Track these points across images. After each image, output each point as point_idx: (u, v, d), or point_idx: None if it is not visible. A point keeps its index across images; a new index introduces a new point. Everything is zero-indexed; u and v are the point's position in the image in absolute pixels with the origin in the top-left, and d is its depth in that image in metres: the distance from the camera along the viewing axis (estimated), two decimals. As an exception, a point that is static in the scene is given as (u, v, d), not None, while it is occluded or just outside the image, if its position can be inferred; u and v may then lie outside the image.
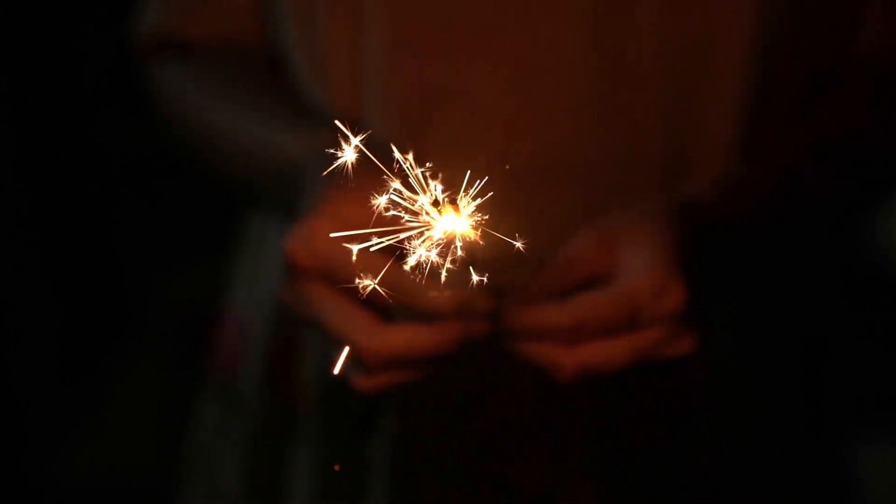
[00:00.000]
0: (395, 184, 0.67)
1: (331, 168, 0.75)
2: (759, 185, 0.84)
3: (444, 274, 0.66)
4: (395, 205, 0.67)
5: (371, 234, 0.68)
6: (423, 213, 0.66)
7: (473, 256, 0.67)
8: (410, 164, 0.67)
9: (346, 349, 0.70)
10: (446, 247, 0.66)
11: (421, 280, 0.67)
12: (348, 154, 0.68)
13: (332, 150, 0.77)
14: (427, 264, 0.67)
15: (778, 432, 0.98)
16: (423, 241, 0.67)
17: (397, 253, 0.68)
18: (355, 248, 0.67)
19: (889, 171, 0.94)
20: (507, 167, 0.82)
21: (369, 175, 0.68)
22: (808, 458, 1.00)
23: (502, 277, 0.69)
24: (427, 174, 0.66)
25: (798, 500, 0.99)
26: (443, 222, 0.64)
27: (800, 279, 1.01)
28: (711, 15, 0.85)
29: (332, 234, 0.69)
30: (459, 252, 0.65)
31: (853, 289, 1.39)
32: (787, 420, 0.98)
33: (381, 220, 0.67)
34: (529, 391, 0.88)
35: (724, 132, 0.87)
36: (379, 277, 0.68)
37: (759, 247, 0.87)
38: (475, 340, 0.70)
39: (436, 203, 0.62)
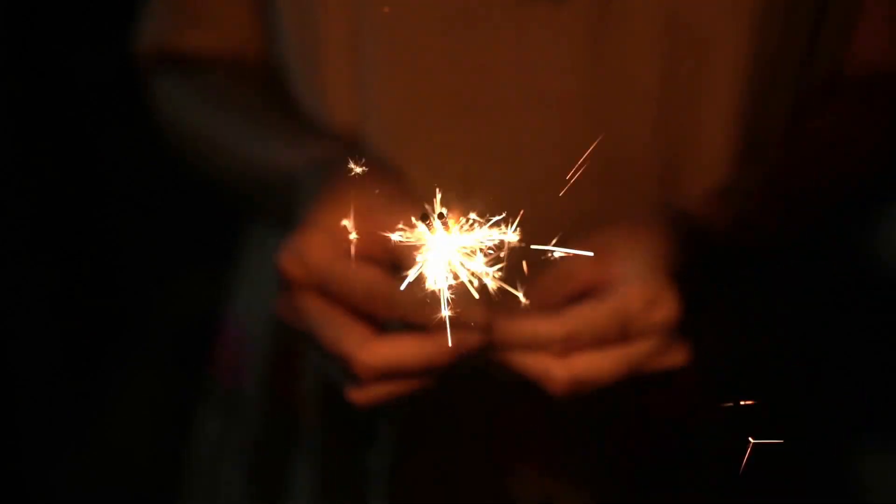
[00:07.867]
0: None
1: (327, 181, 0.75)
2: (754, 195, 0.84)
3: (435, 287, 0.66)
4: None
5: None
6: (416, 227, 0.66)
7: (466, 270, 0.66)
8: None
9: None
10: (438, 261, 0.66)
11: (414, 293, 0.68)
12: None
13: (329, 163, 0.78)
14: (419, 278, 0.67)
15: (776, 437, 0.97)
16: (416, 255, 0.66)
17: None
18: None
19: (884, 179, 0.94)
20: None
21: (365, 190, 0.69)
22: (809, 461, 1.00)
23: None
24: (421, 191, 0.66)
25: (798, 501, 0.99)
26: (434, 238, 0.64)
27: (798, 285, 1.01)
28: (708, 27, 0.85)
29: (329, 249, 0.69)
30: (450, 268, 0.65)
31: (853, 294, 1.39)
32: (786, 424, 0.98)
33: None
34: (527, 401, 0.88)
35: (719, 143, 0.87)
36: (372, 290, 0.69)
37: (757, 253, 0.87)
38: (469, 353, 0.70)
39: (425, 218, 0.62)
